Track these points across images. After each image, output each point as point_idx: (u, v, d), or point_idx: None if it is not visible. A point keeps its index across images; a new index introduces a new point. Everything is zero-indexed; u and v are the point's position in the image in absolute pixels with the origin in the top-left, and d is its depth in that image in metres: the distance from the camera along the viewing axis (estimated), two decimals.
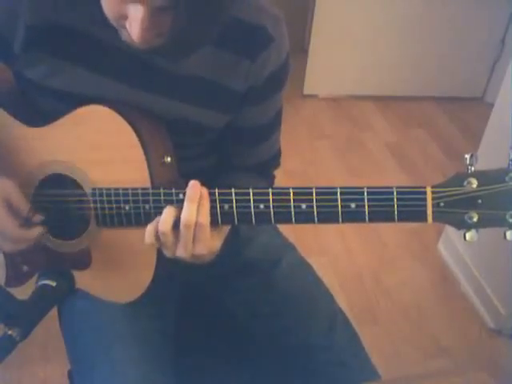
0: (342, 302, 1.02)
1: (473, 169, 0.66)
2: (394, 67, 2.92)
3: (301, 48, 3.06)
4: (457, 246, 2.02)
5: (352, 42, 2.82)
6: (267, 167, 1.02)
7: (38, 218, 0.82)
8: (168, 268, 0.87)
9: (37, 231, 0.82)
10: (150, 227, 0.75)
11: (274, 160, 1.03)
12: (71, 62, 0.81)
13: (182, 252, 0.75)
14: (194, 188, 0.74)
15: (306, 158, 2.55)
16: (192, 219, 0.73)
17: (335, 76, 2.93)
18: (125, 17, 0.68)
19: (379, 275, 2.01)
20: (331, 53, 2.84)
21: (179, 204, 0.75)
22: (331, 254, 2.08)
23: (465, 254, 1.98)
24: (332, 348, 0.93)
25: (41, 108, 0.86)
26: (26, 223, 0.81)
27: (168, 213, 0.74)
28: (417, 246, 2.14)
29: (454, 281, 2.02)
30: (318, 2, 2.69)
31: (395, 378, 1.03)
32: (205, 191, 0.74)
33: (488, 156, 1.66)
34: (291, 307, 0.97)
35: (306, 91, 2.94)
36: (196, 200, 0.73)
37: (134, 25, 0.67)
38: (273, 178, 1.04)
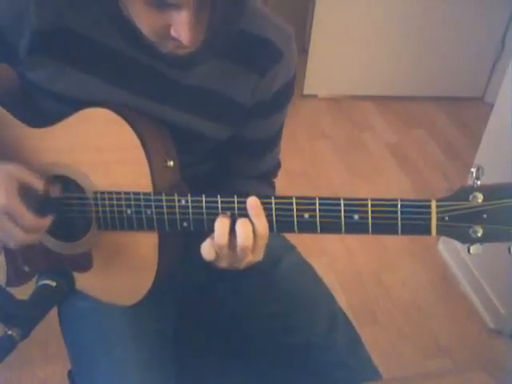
0: (342, 301, 1.02)
1: (479, 183, 0.65)
2: (394, 67, 2.92)
3: (301, 48, 3.06)
4: (457, 246, 2.01)
5: (352, 42, 2.82)
6: (268, 177, 1.03)
7: (57, 190, 0.79)
8: (169, 271, 0.87)
9: (49, 220, 0.79)
10: (205, 244, 0.76)
11: (274, 170, 1.04)
12: (76, 67, 0.81)
13: (245, 261, 0.76)
14: (257, 203, 0.74)
15: (306, 158, 2.55)
16: (266, 232, 0.74)
17: (335, 76, 2.93)
18: (167, 27, 0.70)
19: (379, 275, 2.01)
20: (331, 53, 2.84)
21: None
22: (331, 254, 2.07)
23: (465, 255, 1.98)
24: (332, 348, 0.93)
25: (43, 109, 0.86)
26: (42, 206, 0.78)
27: (223, 226, 0.74)
28: (417, 246, 2.14)
29: (454, 281, 2.02)
30: (318, 2, 2.69)
31: (395, 378, 1.03)
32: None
33: (488, 156, 1.67)
34: (291, 307, 0.97)
35: (306, 91, 2.93)
36: (262, 213, 0.74)
37: (183, 29, 0.68)
38: (274, 184, 1.04)
